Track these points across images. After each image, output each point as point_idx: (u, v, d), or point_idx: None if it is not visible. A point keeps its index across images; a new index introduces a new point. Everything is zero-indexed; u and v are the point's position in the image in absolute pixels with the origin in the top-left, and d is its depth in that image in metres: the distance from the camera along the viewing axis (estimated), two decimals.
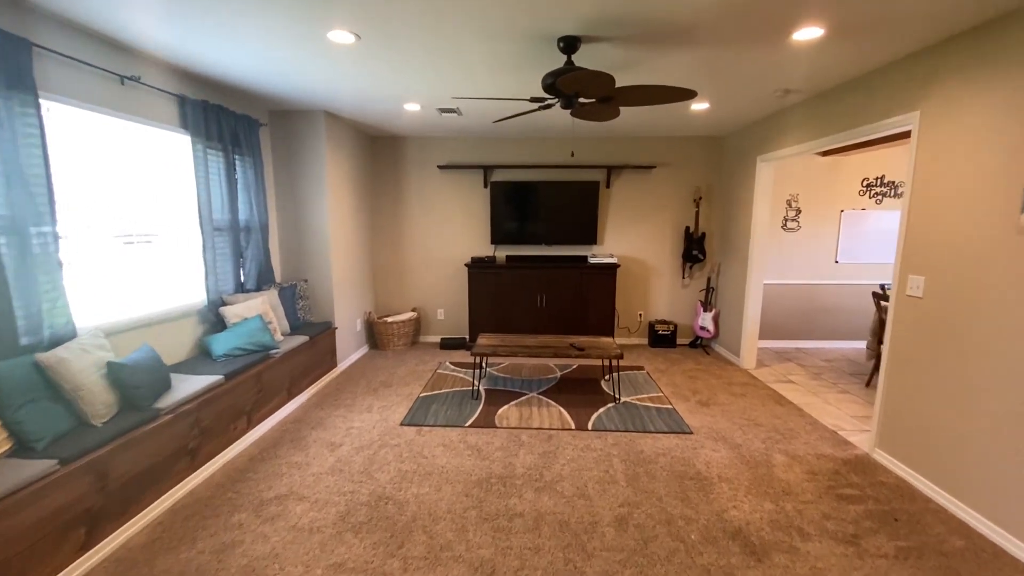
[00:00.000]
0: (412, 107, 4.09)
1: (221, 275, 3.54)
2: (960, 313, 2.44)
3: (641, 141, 5.46)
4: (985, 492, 2.31)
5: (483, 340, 4.17)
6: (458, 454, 3.00)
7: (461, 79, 3.31)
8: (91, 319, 2.61)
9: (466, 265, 5.33)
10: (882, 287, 4.93)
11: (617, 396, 3.99)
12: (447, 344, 5.53)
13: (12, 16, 2.17)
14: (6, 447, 1.95)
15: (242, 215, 3.79)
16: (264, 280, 4.02)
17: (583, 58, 2.87)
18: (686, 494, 2.59)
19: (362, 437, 3.24)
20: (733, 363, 4.96)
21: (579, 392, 4.09)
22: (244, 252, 3.83)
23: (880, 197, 5.38)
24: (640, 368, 4.80)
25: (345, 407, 3.78)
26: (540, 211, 5.44)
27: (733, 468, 2.86)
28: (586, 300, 5.31)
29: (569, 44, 2.58)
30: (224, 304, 3.51)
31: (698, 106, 4.04)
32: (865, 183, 5.36)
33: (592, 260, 5.33)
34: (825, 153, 5.22)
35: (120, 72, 2.71)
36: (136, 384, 2.39)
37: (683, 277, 5.70)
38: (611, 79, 2.29)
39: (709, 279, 5.57)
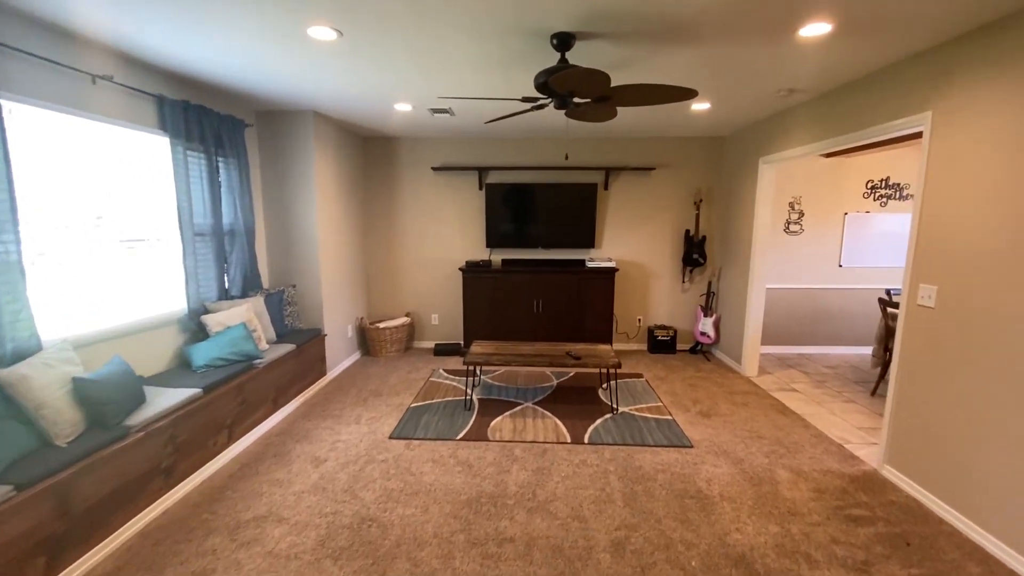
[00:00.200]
0: (403, 107, 3.96)
1: (203, 281, 3.40)
2: (975, 325, 2.31)
3: (640, 142, 5.32)
4: (1002, 514, 2.18)
5: (476, 348, 4.04)
6: (448, 471, 2.87)
7: (448, 78, 3.17)
8: (60, 331, 2.48)
9: (460, 269, 5.19)
10: (888, 292, 4.79)
11: (615, 406, 3.85)
12: (441, 350, 5.39)
13: None
14: None
15: (226, 219, 3.65)
16: (250, 286, 3.88)
17: (578, 56, 2.74)
18: (686, 515, 2.46)
19: (348, 452, 3.11)
20: (734, 370, 4.83)
21: (576, 402, 3.95)
22: (228, 257, 3.69)
23: (885, 199, 5.25)
24: (639, 376, 4.67)
25: (333, 418, 3.64)
26: (537, 214, 5.30)
27: (736, 486, 2.73)
28: (584, 305, 5.16)
29: (563, 41, 2.45)
30: (207, 312, 3.38)
31: (699, 106, 3.90)
32: (869, 185, 5.23)
33: (590, 264, 5.19)
34: (829, 154, 5.09)
35: (91, 71, 2.58)
36: (104, 400, 2.26)
37: (683, 281, 5.56)
38: (607, 78, 2.16)
39: (710, 283, 5.43)
